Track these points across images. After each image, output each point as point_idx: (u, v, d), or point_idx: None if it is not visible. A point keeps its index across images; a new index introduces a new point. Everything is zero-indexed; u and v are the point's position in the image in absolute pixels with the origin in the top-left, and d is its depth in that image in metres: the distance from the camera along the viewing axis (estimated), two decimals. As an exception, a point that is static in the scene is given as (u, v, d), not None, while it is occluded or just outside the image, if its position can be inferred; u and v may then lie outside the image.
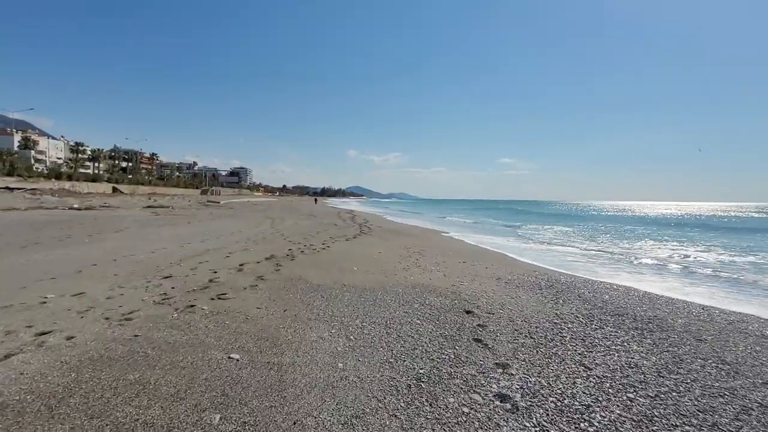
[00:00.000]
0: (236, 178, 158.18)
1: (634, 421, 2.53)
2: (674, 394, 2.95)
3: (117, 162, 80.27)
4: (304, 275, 6.26)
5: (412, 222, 25.14)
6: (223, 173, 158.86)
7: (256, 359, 3.10)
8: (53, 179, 43.12)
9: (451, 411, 2.55)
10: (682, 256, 12.43)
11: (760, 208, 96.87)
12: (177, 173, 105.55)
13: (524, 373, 3.17)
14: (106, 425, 2.19)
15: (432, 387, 2.85)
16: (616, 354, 3.76)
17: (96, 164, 73.12)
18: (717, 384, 3.14)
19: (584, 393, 2.89)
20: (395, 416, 2.46)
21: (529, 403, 2.70)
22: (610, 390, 2.95)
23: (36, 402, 2.39)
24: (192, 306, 4.32)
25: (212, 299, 4.66)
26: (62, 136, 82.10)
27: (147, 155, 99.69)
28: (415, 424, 2.39)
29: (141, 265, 6.67)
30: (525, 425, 2.44)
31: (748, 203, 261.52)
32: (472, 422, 2.44)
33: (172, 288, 5.13)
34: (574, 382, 3.07)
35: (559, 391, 2.89)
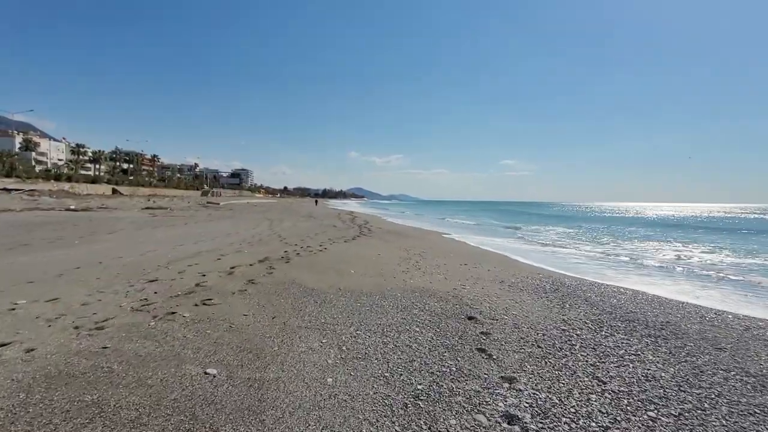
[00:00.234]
0: (237, 179, 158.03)
1: (660, 446, 2.24)
2: (699, 412, 2.65)
3: (118, 164, 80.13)
4: (298, 279, 5.96)
5: (412, 223, 24.87)
6: (225, 175, 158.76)
7: (235, 375, 2.78)
8: (52, 180, 42.91)
9: (452, 436, 2.26)
10: (688, 258, 12.21)
11: (762, 210, 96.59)
12: (178, 175, 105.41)
13: (533, 389, 2.87)
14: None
15: (431, 406, 2.55)
16: (631, 365, 3.47)
17: (97, 166, 73.01)
18: (745, 400, 2.85)
19: (600, 412, 2.59)
20: (389, 443, 2.16)
21: (540, 425, 2.40)
22: (628, 408, 2.66)
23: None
24: (172, 313, 3.99)
25: (196, 305, 4.34)
26: (64, 138, 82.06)
27: (148, 157, 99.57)
28: (412, 452, 2.09)
29: (127, 268, 6.36)
30: (537, 453, 2.15)
31: (750, 204, 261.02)
32: (477, 450, 2.15)
33: (155, 293, 4.81)
34: (589, 399, 2.77)
35: (572, 410, 2.59)
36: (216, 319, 3.94)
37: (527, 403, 2.66)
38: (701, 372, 3.36)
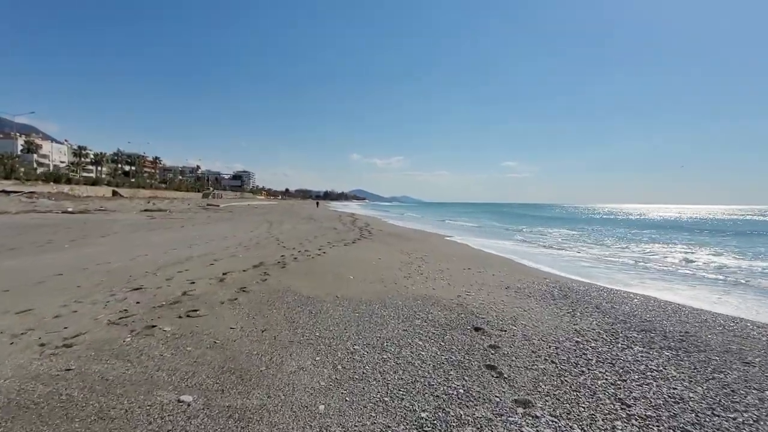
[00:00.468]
0: (239, 181, 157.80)
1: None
2: (741, 442, 2.33)
3: (120, 166, 80.00)
4: (294, 286, 5.63)
5: (414, 225, 24.55)
6: (226, 177, 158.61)
7: (213, 402, 2.44)
8: (52, 182, 42.62)
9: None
10: (696, 261, 11.94)
11: (762, 211, 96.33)
12: (180, 177, 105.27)
13: (551, 414, 2.55)
14: None
15: (437, 439, 2.22)
16: (655, 383, 3.15)
17: (99, 168, 72.89)
18: (788, 426, 2.53)
19: (630, 444, 2.27)
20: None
21: (564, 464, 2.08)
22: (660, 439, 2.34)
23: None
24: (152, 327, 3.65)
25: (179, 317, 4.00)
26: (66, 140, 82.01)
27: (150, 159, 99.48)
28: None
29: (112, 274, 6.01)
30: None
31: (754, 206, 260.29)
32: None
33: (137, 303, 4.46)
34: (614, 427, 2.45)
35: (598, 443, 2.27)
36: (200, 333, 3.60)
37: (547, 433, 2.34)
38: (733, 392, 3.05)
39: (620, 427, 2.46)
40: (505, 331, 4.16)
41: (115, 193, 50.66)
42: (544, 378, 3.11)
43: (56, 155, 72.44)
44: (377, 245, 11.54)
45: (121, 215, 21.84)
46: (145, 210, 28.16)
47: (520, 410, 2.59)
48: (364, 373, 2.99)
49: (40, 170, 50.39)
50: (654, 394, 2.96)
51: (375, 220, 27.34)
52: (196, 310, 4.21)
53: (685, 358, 3.71)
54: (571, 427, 2.43)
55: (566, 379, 3.12)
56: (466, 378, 3.01)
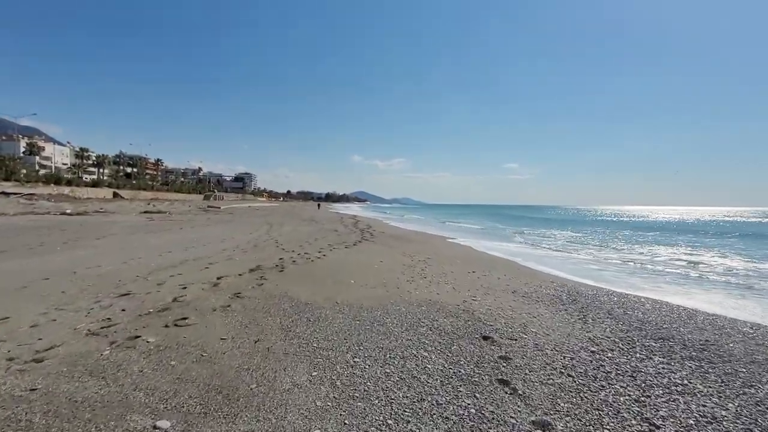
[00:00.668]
0: (241, 183, 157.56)
1: None
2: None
3: (121, 167, 79.84)
4: (291, 291, 5.35)
5: (416, 227, 24.29)
6: (228, 179, 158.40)
7: (194, 429, 2.15)
8: (52, 184, 42.44)
9: None
10: (705, 264, 11.69)
11: (763, 213, 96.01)
12: (181, 179, 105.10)
13: (573, 439, 2.28)
14: None
15: (448, 472, 1.95)
16: (681, 399, 2.88)
17: (101, 170, 72.74)
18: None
19: (666, 476, 2.00)
20: None
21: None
22: (699, 468, 2.06)
23: None
24: (135, 338, 3.37)
25: (166, 326, 3.71)
26: (68, 142, 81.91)
27: (152, 161, 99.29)
28: None
29: (101, 278, 5.74)
30: None
31: (757, 208, 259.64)
32: None
33: (122, 311, 4.18)
34: (645, 454, 2.18)
35: (630, 475, 1.99)
36: (186, 344, 3.32)
37: (571, 463, 2.07)
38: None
39: (652, 454, 2.19)
40: (516, 339, 3.89)
41: (115, 195, 50.48)
42: (562, 394, 2.84)
43: (59, 157, 72.36)
44: (379, 248, 11.26)
45: (119, 217, 21.61)
46: (145, 212, 27.94)
47: (539, 434, 2.32)
48: (365, 390, 2.72)
49: (42, 172, 50.26)
50: (683, 413, 2.70)
51: (376, 222, 27.11)
52: (185, 319, 3.91)
53: (710, 370, 3.45)
54: (597, 454, 2.16)
55: (586, 395, 2.86)
56: (477, 395, 2.73)
